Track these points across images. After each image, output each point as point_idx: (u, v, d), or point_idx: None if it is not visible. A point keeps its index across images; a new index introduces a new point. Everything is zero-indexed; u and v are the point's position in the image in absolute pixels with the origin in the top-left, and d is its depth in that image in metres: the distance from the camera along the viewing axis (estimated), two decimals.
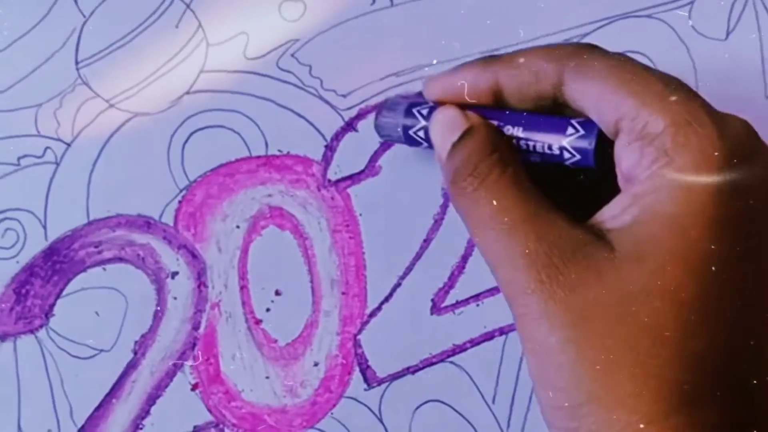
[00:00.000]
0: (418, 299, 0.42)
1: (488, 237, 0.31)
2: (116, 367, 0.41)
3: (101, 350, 0.41)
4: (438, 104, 0.37)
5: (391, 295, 0.42)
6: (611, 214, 0.31)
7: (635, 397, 0.28)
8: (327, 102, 0.42)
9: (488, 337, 0.41)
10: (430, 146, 0.37)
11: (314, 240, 0.42)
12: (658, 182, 0.29)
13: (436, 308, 0.42)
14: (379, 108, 0.39)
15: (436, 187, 0.41)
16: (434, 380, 0.41)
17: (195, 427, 0.41)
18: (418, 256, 0.42)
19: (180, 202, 0.41)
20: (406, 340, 0.41)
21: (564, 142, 0.34)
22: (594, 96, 0.32)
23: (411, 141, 0.38)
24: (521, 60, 0.34)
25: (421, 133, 0.37)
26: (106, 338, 0.41)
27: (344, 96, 0.42)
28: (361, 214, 0.42)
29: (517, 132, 0.35)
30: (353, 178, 0.42)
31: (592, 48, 0.33)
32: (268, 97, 0.42)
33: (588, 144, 0.33)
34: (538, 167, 0.35)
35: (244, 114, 0.42)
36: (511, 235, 0.30)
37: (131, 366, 0.41)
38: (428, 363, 0.41)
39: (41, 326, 0.41)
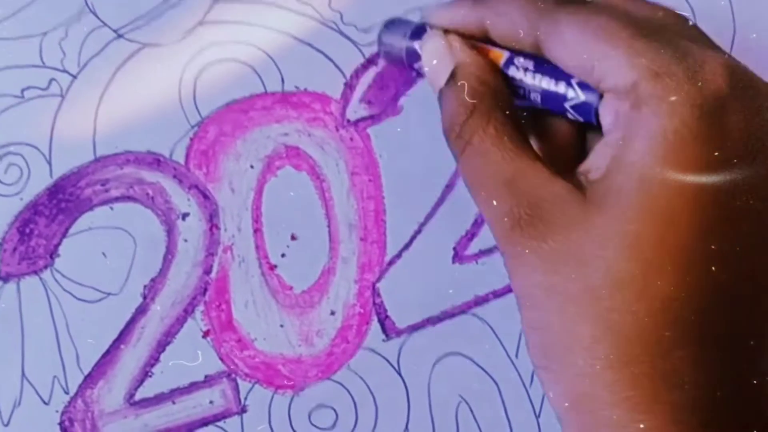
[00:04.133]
0: (440, 247, 0.40)
1: (478, 197, 0.33)
2: (124, 311, 0.39)
3: (109, 294, 0.39)
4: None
5: (411, 242, 0.40)
6: (591, 166, 0.31)
7: (596, 342, 0.28)
8: (347, 37, 0.40)
9: (511, 288, 0.40)
10: None
11: (332, 182, 0.40)
12: (627, 134, 0.29)
13: (458, 257, 0.40)
14: (386, 22, 0.38)
15: None
16: (455, 332, 0.40)
17: (206, 376, 0.39)
18: (440, 202, 0.40)
19: (191, 139, 0.40)
20: (427, 289, 0.40)
21: (570, 91, 0.33)
22: (570, 61, 0.32)
23: (411, 62, 0.36)
24: (503, 9, 0.34)
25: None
26: (113, 281, 0.39)
27: (365, 31, 0.40)
28: (381, 156, 0.40)
29: (528, 65, 0.33)
30: (373, 117, 0.40)
31: (568, 2, 0.32)
32: (286, 31, 0.40)
33: (592, 98, 0.32)
34: (536, 111, 0.34)
35: (259, 48, 0.40)
36: (496, 199, 0.31)
37: (140, 311, 0.39)
38: (449, 314, 0.40)
39: (46, 267, 0.39)
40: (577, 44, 0.31)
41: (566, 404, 0.29)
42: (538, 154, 0.32)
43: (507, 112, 0.33)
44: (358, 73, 0.40)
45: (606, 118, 0.31)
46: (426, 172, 0.40)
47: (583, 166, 0.32)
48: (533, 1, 0.33)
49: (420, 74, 0.37)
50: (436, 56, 0.35)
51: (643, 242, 0.28)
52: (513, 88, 0.34)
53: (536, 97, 0.34)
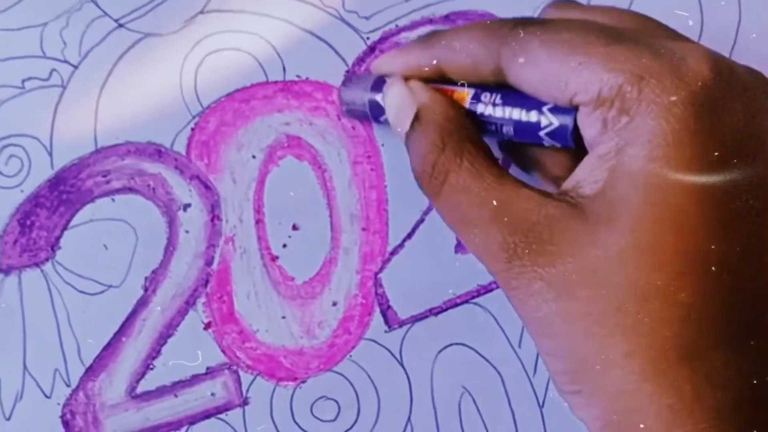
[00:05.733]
0: (443, 236, 0.40)
1: (464, 237, 0.32)
2: (126, 304, 0.39)
3: (110, 286, 0.39)
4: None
5: (413, 231, 0.40)
6: (580, 180, 0.30)
7: (628, 357, 0.28)
8: (348, 24, 0.40)
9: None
10: None
11: (334, 172, 0.40)
12: (621, 142, 0.29)
13: (460, 246, 0.40)
14: (345, 79, 0.38)
15: None
16: (458, 322, 0.40)
17: (208, 368, 0.39)
18: None
19: (193, 129, 0.39)
20: (429, 279, 0.40)
21: (542, 118, 0.32)
22: (539, 81, 0.31)
23: (376, 115, 0.36)
24: (457, 44, 0.33)
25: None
26: (115, 273, 0.39)
27: (367, 18, 0.40)
28: (383, 145, 0.40)
29: (495, 99, 0.32)
30: None
31: (528, 23, 0.31)
32: (287, 19, 0.40)
33: (567, 121, 0.31)
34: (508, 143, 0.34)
35: (260, 36, 0.40)
36: (484, 234, 0.31)
37: (141, 303, 0.39)
38: (452, 304, 0.40)
39: (47, 259, 0.39)
40: (547, 61, 0.30)
41: (602, 425, 0.29)
42: (520, 180, 0.31)
43: (478, 145, 0.32)
44: (360, 61, 0.40)
45: (589, 131, 0.30)
46: None
47: (570, 183, 0.30)
48: (488, 30, 0.32)
49: (386, 124, 0.37)
50: (398, 102, 0.34)
51: (661, 251, 0.28)
52: (483, 125, 0.33)
53: (509, 130, 0.33)
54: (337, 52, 0.40)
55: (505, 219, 0.30)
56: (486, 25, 0.32)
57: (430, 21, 0.40)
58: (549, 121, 0.31)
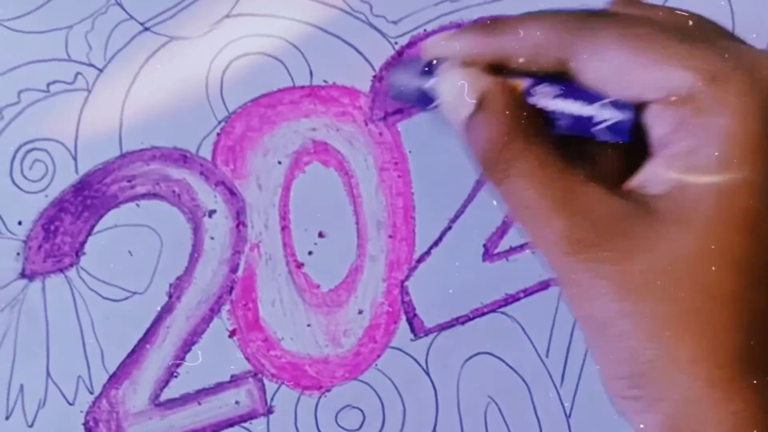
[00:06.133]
0: (470, 244, 0.40)
1: (527, 225, 0.31)
2: (150, 310, 0.39)
3: (134, 292, 0.39)
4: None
5: (440, 239, 0.40)
6: (648, 179, 0.30)
7: (696, 362, 0.27)
8: (376, 28, 0.40)
9: (543, 286, 0.40)
10: None
11: (360, 178, 0.40)
12: (693, 142, 0.28)
13: (488, 254, 0.40)
14: (394, 65, 0.37)
15: None
16: (485, 331, 0.40)
17: (232, 376, 0.39)
18: (470, 198, 0.40)
19: (218, 134, 0.39)
20: (456, 288, 0.40)
21: (601, 112, 0.32)
22: (607, 75, 0.30)
23: (425, 102, 0.36)
24: (521, 31, 0.32)
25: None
26: (139, 280, 0.39)
27: (395, 22, 0.40)
28: (410, 152, 0.40)
29: (551, 90, 0.32)
30: (403, 112, 0.40)
31: (598, 16, 0.31)
32: (314, 23, 0.40)
33: (628, 116, 0.31)
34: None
35: (287, 40, 0.40)
36: (548, 224, 0.30)
37: (166, 310, 0.39)
38: (479, 313, 0.40)
39: (71, 265, 0.39)
40: (619, 56, 0.30)
41: (663, 430, 0.28)
42: (584, 173, 0.31)
43: (544, 134, 0.32)
44: (387, 66, 0.40)
45: (658, 129, 0.30)
46: (456, 167, 0.40)
47: (636, 181, 0.30)
48: (558, 19, 0.32)
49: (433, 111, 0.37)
50: (456, 89, 0.34)
51: (734, 256, 0.28)
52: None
53: (564, 123, 0.33)
54: (364, 57, 0.40)
55: (570, 211, 0.30)
56: (555, 15, 0.32)
57: (458, 26, 0.40)
58: (609, 115, 0.31)
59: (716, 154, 0.28)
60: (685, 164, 0.29)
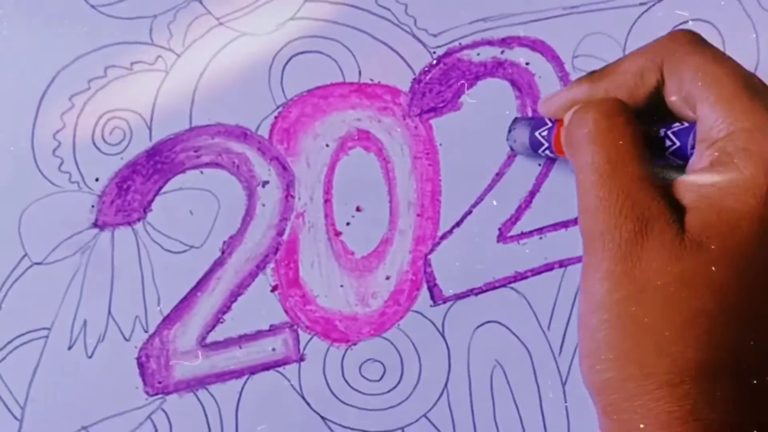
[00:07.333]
0: (487, 227, 0.43)
1: (589, 180, 0.33)
2: (204, 263, 0.43)
3: (191, 246, 0.43)
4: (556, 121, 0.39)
5: (462, 220, 0.43)
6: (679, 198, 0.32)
7: (654, 364, 0.30)
8: (419, 39, 0.44)
9: (549, 268, 0.43)
10: (552, 154, 0.40)
11: (396, 164, 0.44)
12: (718, 179, 0.31)
13: (502, 237, 0.43)
14: (511, 125, 0.42)
15: None
16: (495, 303, 0.43)
17: (271, 325, 0.43)
18: (489, 188, 0.44)
19: (276, 117, 0.44)
20: (473, 263, 0.43)
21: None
22: (681, 93, 0.34)
23: (537, 148, 0.40)
24: (623, 66, 0.35)
25: (546, 142, 0.40)
26: (197, 236, 0.43)
27: (435, 35, 0.44)
28: (441, 144, 0.44)
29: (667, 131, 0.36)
30: (437, 110, 0.44)
31: (687, 39, 0.34)
32: (365, 30, 0.44)
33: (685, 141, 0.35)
34: None
35: (342, 43, 0.44)
36: (612, 183, 0.32)
37: (218, 263, 0.43)
38: (491, 287, 0.43)
39: (139, 219, 0.43)
40: (689, 84, 0.33)
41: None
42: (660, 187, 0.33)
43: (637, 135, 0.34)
44: (425, 71, 0.44)
45: (693, 161, 0.33)
46: (479, 160, 0.44)
47: (688, 177, 0.33)
48: (651, 45, 0.35)
49: (544, 157, 0.41)
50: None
51: (728, 294, 0.30)
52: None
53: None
54: (406, 62, 0.44)
55: (629, 190, 0.32)
56: (646, 45, 0.35)
57: (489, 42, 0.44)
58: (672, 142, 0.35)
59: (738, 195, 0.30)
60: (709, 193, 0.31)
